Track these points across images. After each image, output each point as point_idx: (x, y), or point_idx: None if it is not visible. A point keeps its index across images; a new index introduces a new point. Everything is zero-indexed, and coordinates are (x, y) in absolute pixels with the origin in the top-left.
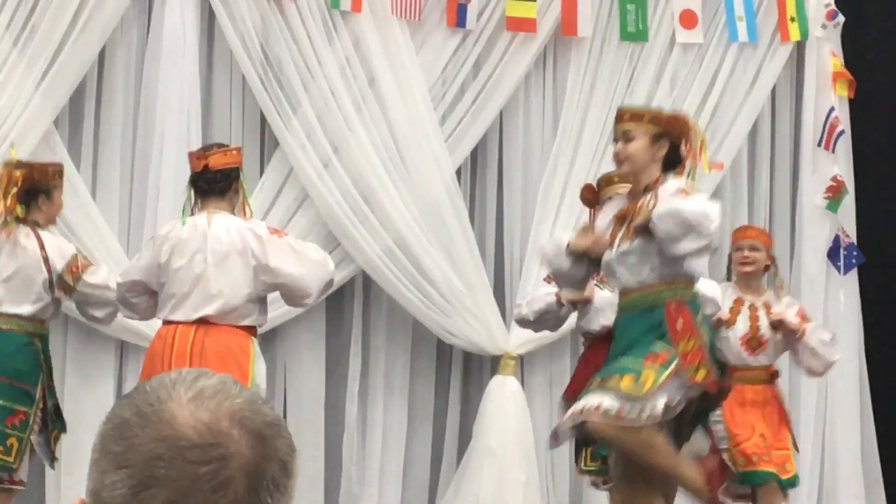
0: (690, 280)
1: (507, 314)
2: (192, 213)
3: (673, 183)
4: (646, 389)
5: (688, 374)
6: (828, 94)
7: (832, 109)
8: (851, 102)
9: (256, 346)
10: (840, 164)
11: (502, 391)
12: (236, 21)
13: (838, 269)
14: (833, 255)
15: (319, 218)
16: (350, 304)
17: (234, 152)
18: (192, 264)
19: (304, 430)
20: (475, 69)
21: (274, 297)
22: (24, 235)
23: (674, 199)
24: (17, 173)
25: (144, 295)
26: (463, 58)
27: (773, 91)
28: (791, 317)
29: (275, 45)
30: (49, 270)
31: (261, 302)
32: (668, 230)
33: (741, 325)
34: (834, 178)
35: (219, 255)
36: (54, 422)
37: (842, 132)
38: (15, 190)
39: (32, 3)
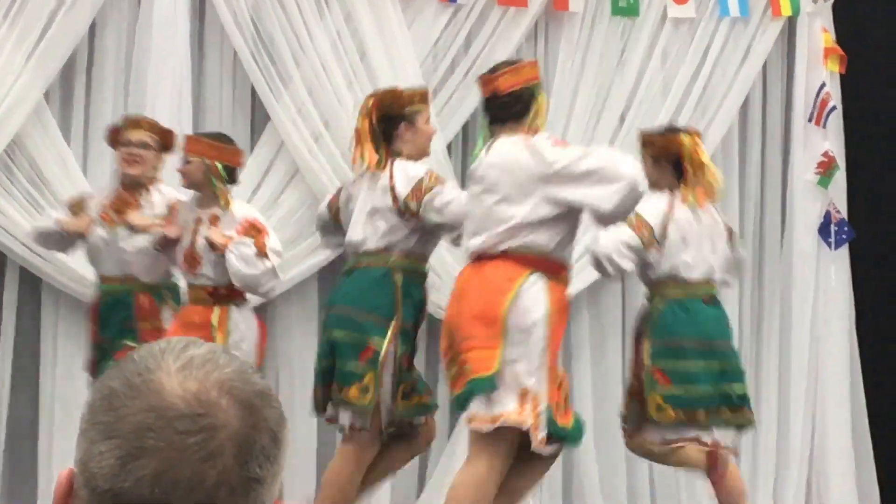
0: None
1: None
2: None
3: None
4: None
5: None
6: (819, 70)
7: (823, 85)
8: (843, 78)
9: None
10: (831, 140)
11: None
12: None
13: (829, 245)
14: (824, 231)
15: (310, 192)
16: None
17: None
18: None
19: (295, 404)
20: (466, 43)
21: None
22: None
23: None
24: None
25: None
26: (454, 32)
27: (765, 66)
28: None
29: (266, 20)
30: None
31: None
32: None
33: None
34: (825, 154)
35: None
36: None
37: (833, 108)
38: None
39: None
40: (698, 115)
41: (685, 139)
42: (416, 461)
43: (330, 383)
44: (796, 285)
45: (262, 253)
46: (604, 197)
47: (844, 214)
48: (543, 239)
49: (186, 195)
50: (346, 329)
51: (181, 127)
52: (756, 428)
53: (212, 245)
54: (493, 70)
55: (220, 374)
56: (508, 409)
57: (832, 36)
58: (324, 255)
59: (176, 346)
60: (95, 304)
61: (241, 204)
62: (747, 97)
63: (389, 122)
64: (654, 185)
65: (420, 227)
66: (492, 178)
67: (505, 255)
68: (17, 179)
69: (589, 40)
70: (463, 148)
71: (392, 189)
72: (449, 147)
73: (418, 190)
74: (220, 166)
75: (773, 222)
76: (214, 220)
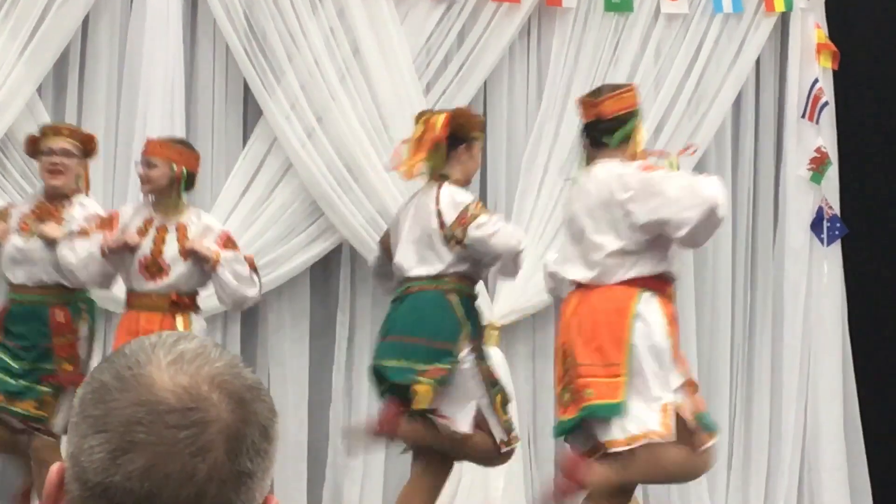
0: None
1: (490, 284)
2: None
3: None
4: None
5: None
6: (812, 66)
7: (816, 81)
8: (835, 74)
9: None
10: (824, 136)
11: None
12: None
13: (822, 240)
14: (816, 226)
15: (303, 188)
16: (336, 274)
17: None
18: None
19: (287, 400)
20: (459, 39)
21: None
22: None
23: None
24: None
25: None
26: (447, 27)
27: (758, 62)
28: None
29: (259, 15)
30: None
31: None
32: None
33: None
34: (818, 150)
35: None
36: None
37: (825, 104)
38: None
39: None
40: (691, 111)
41: None
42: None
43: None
44: (789, 281)
45: (254, 271)
46: (684, 221)
47: (837, 210)
48: (647, 261)
49: (98, 206)
50: (408, 359)
51: (174, 122)
52: (748, 424)
53: (198, 257)
54: (596, 94)
55: (210, 368)
56: (650, 426)
57: (825, 32)
58: (317, 251)
59: (167, 340)
60: (4, 309)
61: (203, 212)
62: (740, 93)
63: (453, 141)
64: None
65: (467, 253)
66: (590, 205)
67: (615, 283)
68: (9, 173)
69: (582, 36)
70: None
71: (439, 214)
72: None
73: (463, 217)
74: (185, 172)
75: (766, 218)
76: (183, 230)
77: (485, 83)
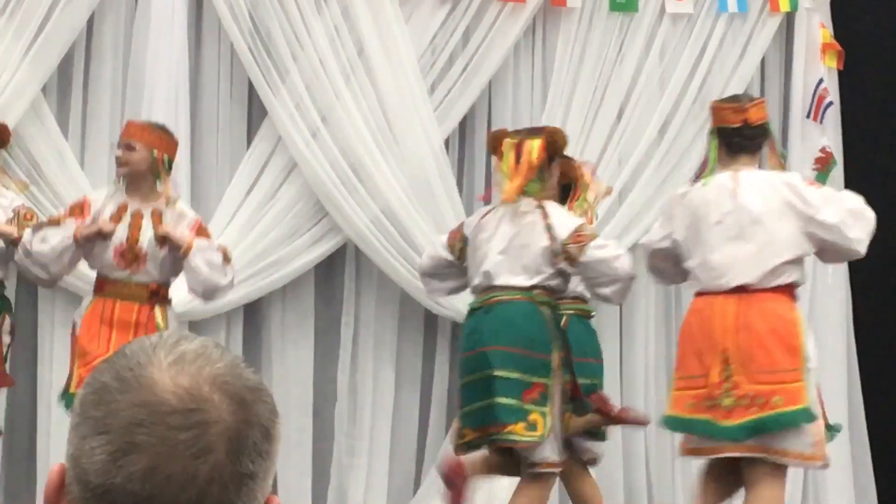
0: None
1: None
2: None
3: None
4: None
5: None
6: (817, 66)
7: (821, 80)
8: (840, 74)
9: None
10: (829, 136)
11: None
12: None
13: None
14: None
15: (307, 188)
16: (340, 274)
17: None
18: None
19: (290, 401)
20: (464, 39)
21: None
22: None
23: None
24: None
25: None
26: (452, 27)
27: (763, 62)
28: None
29: (263, 14)
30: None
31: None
32: None
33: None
34: (823, 150)
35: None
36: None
37: (830, 103)
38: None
39: None
40: (696, 111)
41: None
42: (412, 460)
43: (484, 424)
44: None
45: (227, 261)
46: (857, 239)
47: None
48: (799, 271)
49: (18, 199)
50: (507, 368)
51: (178, 121)
52: None
53: (171, 244)
54: (736, 100)
55: (212, 369)
56: (821, 436)
57: (830, 31)
58: (321, 250)
59: (168, 340)
60: None
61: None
62: (745, 92)
63: (548, 160)
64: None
65: (572, 270)
66: (753, 213)
67: (774, 288)
68: (14, 173)
69: (587, 36)
70: (460, 143)
71: (549, 229)
72: (447, 142)
73: (580, 236)
74: (166, 158)
75: None
76: (158, 216)
77: (489, 83)
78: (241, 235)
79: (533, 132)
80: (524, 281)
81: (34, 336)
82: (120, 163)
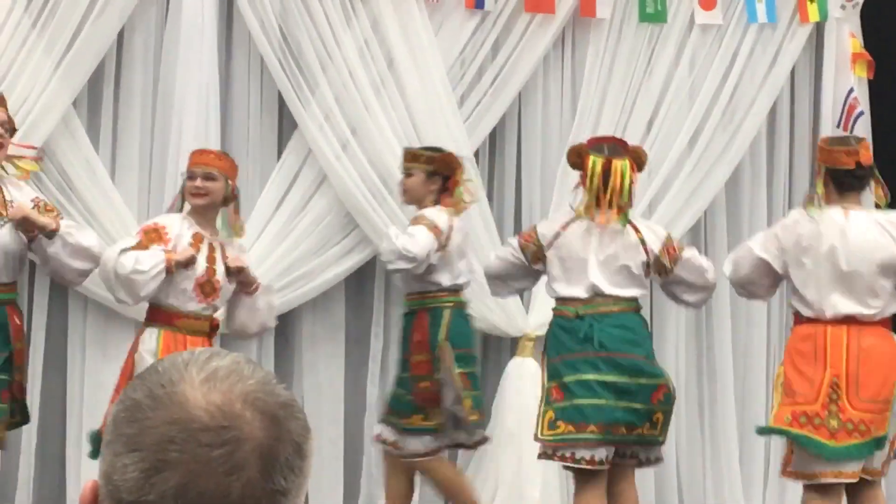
0: None
1: (525, 296)
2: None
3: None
4: None
5: None
6: (847, 76)
7: (851, 90)
8: (870, 83)
9: None
10: None
11: (521, 372)
12: (255, 2)
13: None
14: None
15: (337, 200)
16: (371, 286)
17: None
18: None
19: (322, 415)
20: (493, 50)
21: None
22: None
23: None
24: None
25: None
26: (481, 39)
27: (793, 72)
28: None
29: (293, 27)
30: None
31: None
32: None
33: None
34: None
35: None
36: None
37: (861, 113)
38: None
39: None
40: (726, 122)
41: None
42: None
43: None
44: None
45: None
46: None
47: None
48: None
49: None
50: (637, 376)
51: (209, 135)
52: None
53: (244, 279)
54: (847, 142)
55: (244, 385)
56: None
57: (860, 41)
58: (351, 263)
59: (199, 357)
60: None
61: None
62: (775, 103)
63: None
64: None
65: (661, 280)
66: (866, 249)
67: (881, 321)
68: (45, 187)
69: (616, 47)
70: (489, 156)
71: (643, 243)
72: (476, 154)
73: (671, 248)
74: (237, 187)
75: None
76: (223, 248)
77: (519, 94)
78: (272, 248)
79: (615, 151)
80: (627, 292)
81: (64, 348)
82: (201, 193)
